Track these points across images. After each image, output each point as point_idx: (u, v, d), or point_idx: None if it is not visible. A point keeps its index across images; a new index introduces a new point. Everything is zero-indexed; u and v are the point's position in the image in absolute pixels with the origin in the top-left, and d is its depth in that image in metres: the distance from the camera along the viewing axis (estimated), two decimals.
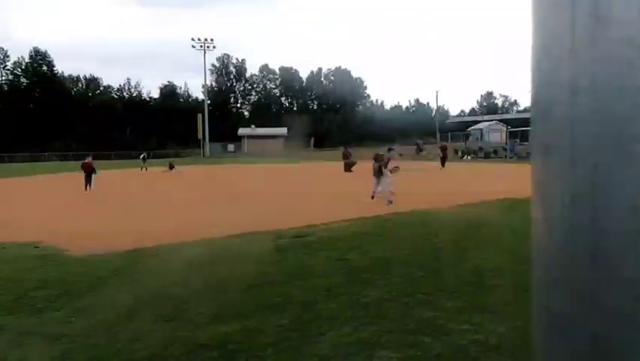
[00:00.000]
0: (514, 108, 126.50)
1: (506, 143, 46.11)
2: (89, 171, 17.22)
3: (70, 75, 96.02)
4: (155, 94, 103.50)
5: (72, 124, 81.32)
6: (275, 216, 10.11)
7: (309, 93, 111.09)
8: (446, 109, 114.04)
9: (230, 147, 79.06)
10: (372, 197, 12.66)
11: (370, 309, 4.21)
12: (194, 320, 4.05)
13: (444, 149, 29.73)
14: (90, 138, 76.13)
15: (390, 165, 13.13)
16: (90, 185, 17.00)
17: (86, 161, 17.71)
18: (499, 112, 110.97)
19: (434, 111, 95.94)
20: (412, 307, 4.25)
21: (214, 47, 76.08)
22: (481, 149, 47.76)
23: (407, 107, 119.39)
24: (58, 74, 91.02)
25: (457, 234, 7.64)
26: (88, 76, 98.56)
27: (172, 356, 3.42)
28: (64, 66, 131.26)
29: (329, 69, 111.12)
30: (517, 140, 47.56)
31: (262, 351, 3.42)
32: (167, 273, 5.68)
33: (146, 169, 35.83)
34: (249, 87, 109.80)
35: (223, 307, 4.33)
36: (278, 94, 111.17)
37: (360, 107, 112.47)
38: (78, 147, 57.38)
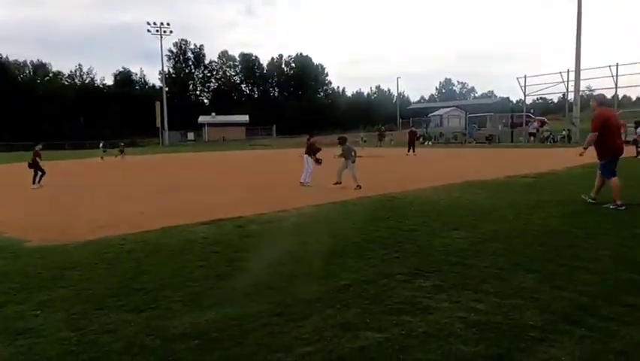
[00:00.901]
0: (472, 95, 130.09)
1: (465, 128, 47.26)
2: (37, 162, 16.06)
3: (15, 60, 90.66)
4: (110, 81, 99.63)
5: (19, 112, 77.05)
6: (245, 204, 9.95)
7: (270, 80, 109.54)
8: (406, 95, 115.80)
9: (190, 135, 77.36)
10: (339, 183, 12.62)
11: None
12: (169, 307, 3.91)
13: (412, 134, 29.86)
14: (39, 126, 72.39)
15: (319, 155, 13.97)
16: (39, 177, 15.89)
17: (36, 149, 16.56)
18: (457, 98, 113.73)
19: (395, 98, 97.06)
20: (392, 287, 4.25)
21: (171, 32, 73.75)
22: (441, 134, 48.84)
23: (368, 94, 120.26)
24: (2, 59, 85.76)
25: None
26: (35, 61, 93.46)
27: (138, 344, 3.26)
28: (7, 51, 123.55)
29: (290, 56, 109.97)
30: (476, 125, 48.91)
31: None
32: (139, 260, 5.47)
33: (103, 159, 34.64)
34: (209, 74, 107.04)
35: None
36: (238, 81, 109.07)
37: (322, 94, 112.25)
38: (26, 137, 54.20)
